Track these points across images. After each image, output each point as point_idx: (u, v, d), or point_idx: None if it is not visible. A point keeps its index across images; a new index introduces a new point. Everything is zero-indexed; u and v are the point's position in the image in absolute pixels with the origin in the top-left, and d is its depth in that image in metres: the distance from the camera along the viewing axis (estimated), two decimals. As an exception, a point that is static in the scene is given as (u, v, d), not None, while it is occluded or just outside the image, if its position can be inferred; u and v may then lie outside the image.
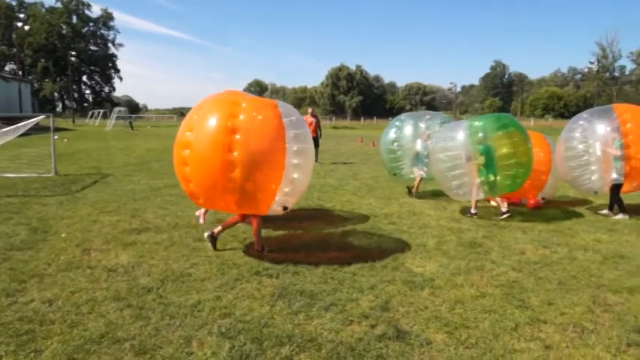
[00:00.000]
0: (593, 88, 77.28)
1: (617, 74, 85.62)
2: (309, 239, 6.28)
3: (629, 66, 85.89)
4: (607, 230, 6.95)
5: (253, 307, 4.11)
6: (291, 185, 5.34)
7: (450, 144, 7.80)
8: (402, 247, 5.98)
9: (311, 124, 15.44)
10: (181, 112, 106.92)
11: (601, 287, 4.66)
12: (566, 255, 5.71)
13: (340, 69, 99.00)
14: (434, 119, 9.92)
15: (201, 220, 7.02)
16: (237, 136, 4.91)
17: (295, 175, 5.33)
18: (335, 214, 7.85)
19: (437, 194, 9.72)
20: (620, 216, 7.72)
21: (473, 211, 7.81)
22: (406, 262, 5.36)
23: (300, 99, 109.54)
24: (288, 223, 7.18)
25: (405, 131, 9.90)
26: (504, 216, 7.62)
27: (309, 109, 16.61)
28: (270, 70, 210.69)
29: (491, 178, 7.52)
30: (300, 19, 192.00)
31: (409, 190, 9.72)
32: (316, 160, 15.43)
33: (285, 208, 5.52)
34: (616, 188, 7.73)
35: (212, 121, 4.99)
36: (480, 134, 7.55)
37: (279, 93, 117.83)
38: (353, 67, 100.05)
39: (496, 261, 5.46)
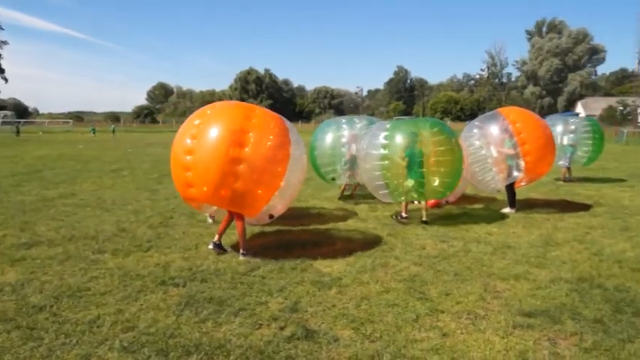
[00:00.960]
0: (485, 93, 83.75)
1: (504, 80, 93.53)
2: (218, 245, 6.17)
3: (515, 73, 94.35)
4: (497, 224, 7.56)
5: (158, 318, 3.96)
6: (281, 195, 5.74)
7: (380, 150, 7.50)
8: (311, 248, 6.07)
9: None
10: (79, 117, 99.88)
11: (491, 276, 5.07)
12: (461, 248, 6.14)
13: (249, 72, 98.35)
14: (362, 122, 9.65)
15: (210, 220, 7.28)
16: (247, 149, 5.23)
17: (288, 186, 5.75)
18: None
19: (345, 196, 9.99)
20: (507, 210, 8.43)
21: (404, 214, 7.72)
22: (315, 263, 5.46)
23: (209, 103, 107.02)
24: (194, 228, 7.02)
25: (342, 134, 9.33)
26: (404, 220, 7.61)
27: None
28: (175, 73, 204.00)
29: (415, 181, 7.26)
30: (206, 20, 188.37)
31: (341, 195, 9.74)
32: None
33: (271, 217, 6.05)
34: (511, 185, 8.41)
35: (221, 130, 5.27)
36: (411, 137, 7.35)
37: (185, 96, 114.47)
38: (262, 71, 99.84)
39: (399, 257, 5.73)
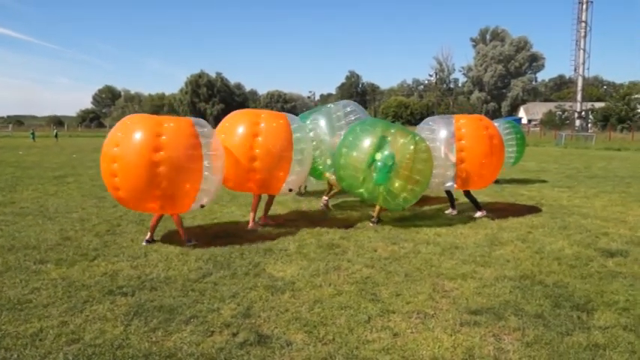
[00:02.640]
0: (434, 98, 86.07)
1: (452, 86, 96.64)
2: (168, 252, 6.04)
3: (462, 79, 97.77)
4: (445, 225, 7.79)
5: (105, 329, 3.84)
6: (206, 186, 6.18)
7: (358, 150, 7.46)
8: (264, 253, 6.05)
9: None
10: (19, 121, 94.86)
11: (440, 276, 5.23)
12: (411, 249, 6.28)
13: (200, 76, 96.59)
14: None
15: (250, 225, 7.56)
16: (162, 153, 5.68)
17: (210, 178, 6.18)
18: (195, 225, 7.66)
19: (299, 200, 10.01)
20: (449, 211, 8.65)
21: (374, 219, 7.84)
22: (268, 268, 5.45)
23: (158, 107, 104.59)
24: (143, 235, 6.83)
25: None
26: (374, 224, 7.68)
27: None
28: (123, 76, 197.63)
29: (380, 187, 7.30)
30: (155, 21, 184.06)
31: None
32: None
33: (202, 206, 6.41)
34: (467, 191, 8.50)
35: (139, 138, 5.71)
36: (381, 141, 7.32)
37: (134, 100, 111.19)
38: (213, 75, 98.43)
39: (352, 260, 5.81)
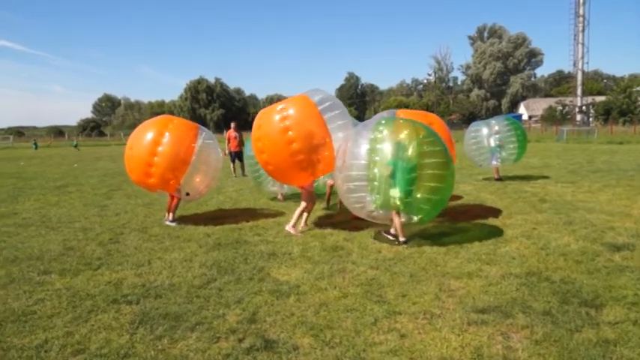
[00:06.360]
0: (434, 97, 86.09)
1: (451, 84, 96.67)
2: (171, 259, 6.02)
3: (461, 77, 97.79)
4: (449, 224, 7.75)
5: (111, 338, 3.82)
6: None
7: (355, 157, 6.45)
8: (268, 257, 6.03)
9: (235, 138, 15.98)
10: (20, 132, 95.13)
11: (445, 275, 5.19)
12: (416, 249, 6.24)
13: (199, 82, 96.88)
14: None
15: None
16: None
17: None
18: (198, 231, 7.64)
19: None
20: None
21: (401, 239, 6.53)
22: (272, 272, 5.42)
23: (158, 114, 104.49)
24: (146, 243, 6.82)
25: None
26: (405, 244, 6.44)
27: (232, 124, 16.25)
28: (121, 84, 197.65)
29: (398, 194, 6.22)
30: (151, 29, 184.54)
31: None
32: (243, 174, 15.52)
33: (187, 194, 8.23)
34: None
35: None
36: (397, 146, 6.21)
37: (133, 108, 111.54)
38: (212, 80, 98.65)
39: (356, 261, 5.77)
